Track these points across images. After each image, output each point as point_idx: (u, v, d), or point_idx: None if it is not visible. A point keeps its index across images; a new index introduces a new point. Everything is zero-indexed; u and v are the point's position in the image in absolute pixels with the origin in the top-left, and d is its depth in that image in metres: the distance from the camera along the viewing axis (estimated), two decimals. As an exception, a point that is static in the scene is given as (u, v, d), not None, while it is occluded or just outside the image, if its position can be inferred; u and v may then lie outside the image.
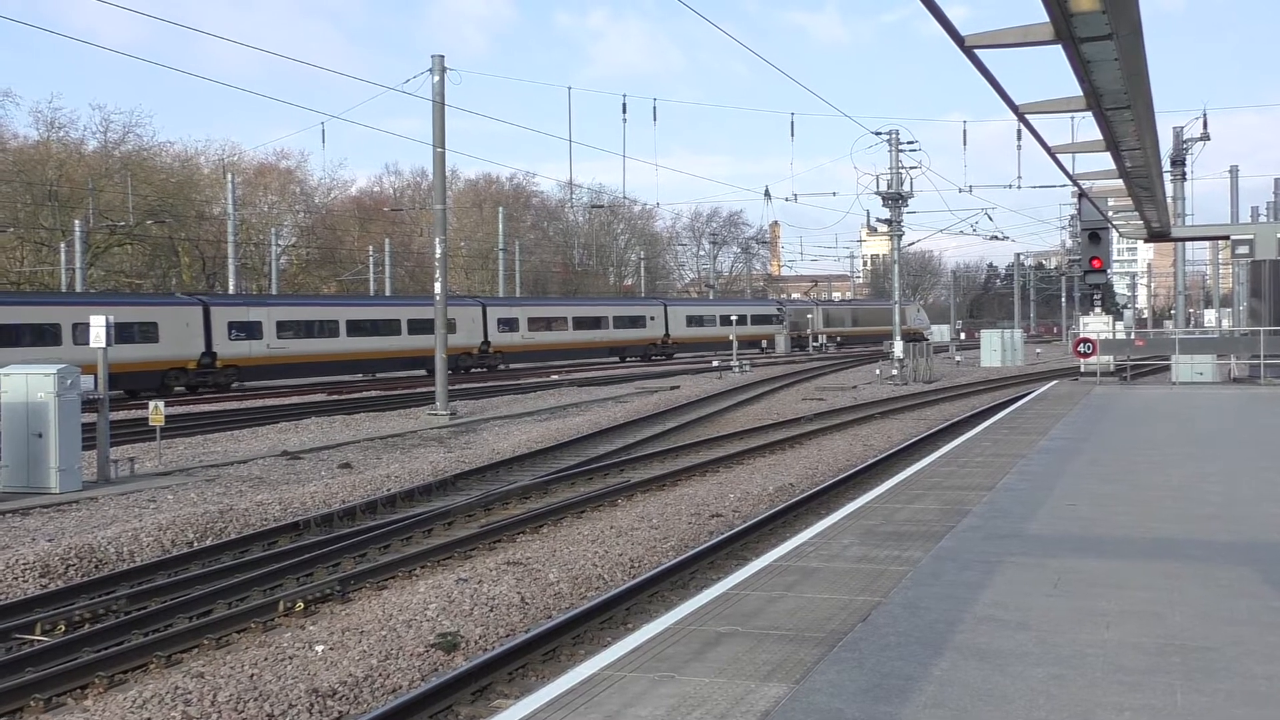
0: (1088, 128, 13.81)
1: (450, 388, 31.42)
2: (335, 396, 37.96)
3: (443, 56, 30.50)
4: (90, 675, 9.10)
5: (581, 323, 61.39)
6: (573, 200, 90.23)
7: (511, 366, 55.40)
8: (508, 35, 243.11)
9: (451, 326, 45.79)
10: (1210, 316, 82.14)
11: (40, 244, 63.72)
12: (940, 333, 57.55)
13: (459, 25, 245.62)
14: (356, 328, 46.39)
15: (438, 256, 31.71)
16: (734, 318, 61.58)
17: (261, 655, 9.55)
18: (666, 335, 66.78)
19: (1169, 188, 34.13)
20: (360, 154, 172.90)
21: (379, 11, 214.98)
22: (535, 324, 57.78)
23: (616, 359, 63.39)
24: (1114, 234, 31.38)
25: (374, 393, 39.61)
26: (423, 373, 46.46)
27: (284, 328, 43.56)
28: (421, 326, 44.80)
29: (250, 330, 42.08)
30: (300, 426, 27.55)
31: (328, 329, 45.60)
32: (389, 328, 47.80)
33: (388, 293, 68.02)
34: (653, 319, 66.46)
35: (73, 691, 8.93)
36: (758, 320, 76.96)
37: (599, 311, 64.59)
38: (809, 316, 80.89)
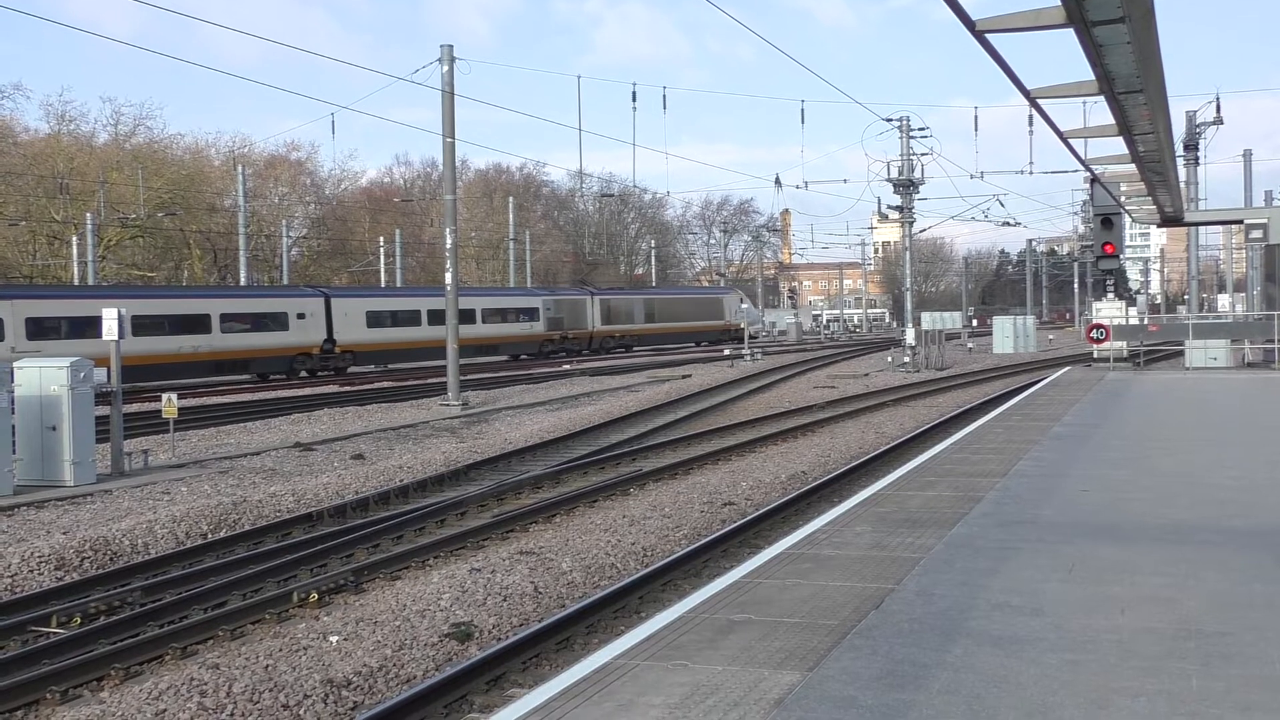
0: (1100, 112, 13.75)
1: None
2: (348, 387, 38.07)
3: (451, 46, 30.46)
4: (106, 667, 9.14)
5: (163, 325, 39.08)
6: (583, 190, 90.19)
7: None
8: (511, 22, 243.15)
9: None
10: (1224, 301, 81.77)
11: (53, 237, 63.94)
12: (951, 320, 55.05)
13: (461, 11, 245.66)
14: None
15: (448, 247, 31.75)
16: (421, 310, 48.37)
17: (276, 646, 9.58)
18: (330, 341, 44.99)
19: (1182, 172, 33.95)
20: (370, 145, 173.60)
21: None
22: (40, 328, 35.58)
23: (251, 379, 42.01)
24: (1127, 219, 31.25)
25: (386, 383, 39.71)
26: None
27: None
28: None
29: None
30: (312, 418, 27.61)
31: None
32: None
33: (398, 283, 67.93)
34: (303, 317, 44.03)
35: (89, 683, 8.96)
36: (508, 317, 56.50)
37: (196, 308, 41.27)
38: (584, 310, 61.52)
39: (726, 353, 53.79)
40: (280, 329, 42.98)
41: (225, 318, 41.34)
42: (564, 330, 59.27)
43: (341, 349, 45.77)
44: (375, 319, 47.94)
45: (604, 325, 62.47)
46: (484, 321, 53.70)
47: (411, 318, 49.77)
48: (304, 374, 44.04)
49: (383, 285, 69.45)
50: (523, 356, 56.17)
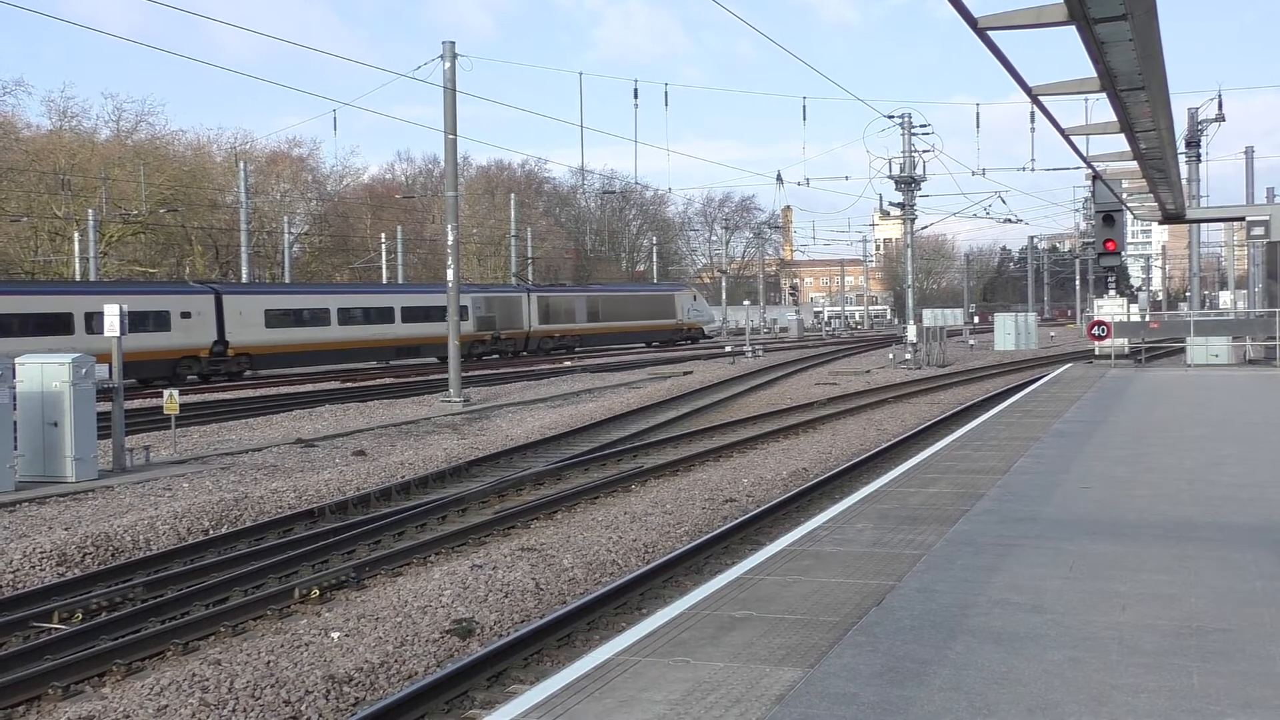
0: (1102, 109, 13.75)
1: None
2: (349, 384, 38.08)
3: (453, 43, 30.49)
4: (108, 663, 9.15)
5: (12, 325, 34.34)
6: (584, 186, 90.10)
7: None
8: (513, 18, 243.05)
9: None
10: (1225, 298, 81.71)
11: (55, 234, 63.99)
12: (953, 317, 54.28)
13: (463, 7, 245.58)
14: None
15: (450, 243, 31.76)
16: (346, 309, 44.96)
17: (278, 642, 9.59)
18: (221, 342, 41.01)
19: (1183, 169, 33.93)
20: (372, 141, 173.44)
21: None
22: None
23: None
24: (1128, 216, 31.24)
25: (388, 380, 39.72)
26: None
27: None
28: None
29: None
30: (314, 414, 27.63)
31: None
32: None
33: (399, 280, 67.89)
34: (188, 316, 39.92)
35: (91, 679, 8.97)
36: (431, 315, 47.53)
37: (55, 305, 36.47)
38: (518, 308, 56.73)
39: (728, 349, 53.76)
40: (160, 329, 38.69)
41: (91, 317, 35.00)
42: (496, 330, 54.64)
43: (235, 351, 41.63)
44: (275, 318, 43.47)
45: (541, 325, 58.04)
46: (404, 320, 48.32)
47: (319, 317, 45.33)
48: (192, 378, 39.73)
49: (384, 281, 69.41)
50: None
